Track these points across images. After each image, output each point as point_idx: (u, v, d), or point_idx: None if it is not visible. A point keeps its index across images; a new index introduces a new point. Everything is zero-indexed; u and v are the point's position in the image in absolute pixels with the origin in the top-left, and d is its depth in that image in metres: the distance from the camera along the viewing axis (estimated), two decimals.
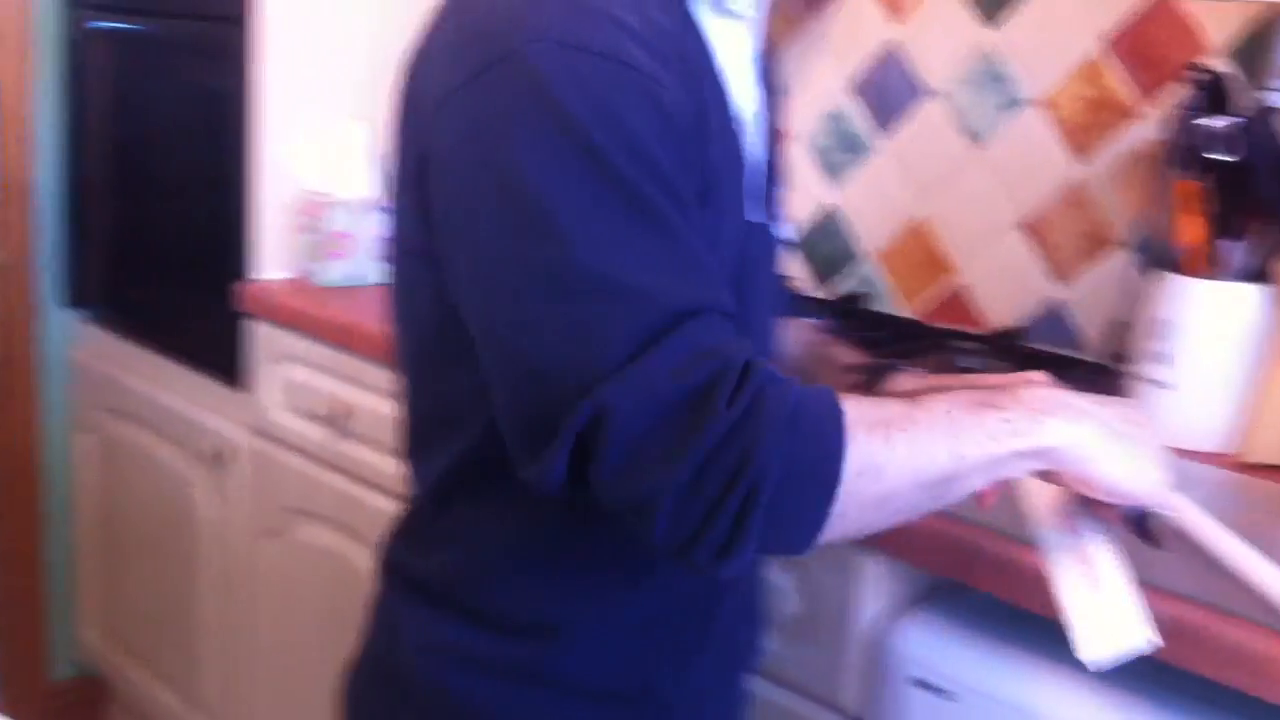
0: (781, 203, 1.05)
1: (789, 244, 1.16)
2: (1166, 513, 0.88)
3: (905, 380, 1.09)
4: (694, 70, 0.85)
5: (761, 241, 0.96)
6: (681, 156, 0.81)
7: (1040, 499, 0.93)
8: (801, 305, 1.66)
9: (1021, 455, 0.81)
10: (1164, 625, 0.95)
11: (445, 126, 0.82)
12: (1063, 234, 1.71)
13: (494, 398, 0.83)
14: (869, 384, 1.09)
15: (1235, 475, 1.29)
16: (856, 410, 0.79)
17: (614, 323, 0.77)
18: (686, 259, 0.80)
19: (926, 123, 1.85)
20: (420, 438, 0.97)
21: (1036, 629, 1.11)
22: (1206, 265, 1.37)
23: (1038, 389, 0.85)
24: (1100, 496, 0.85)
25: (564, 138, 0.77)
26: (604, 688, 0.95)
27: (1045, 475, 0.85)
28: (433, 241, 0.86)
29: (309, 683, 1.89)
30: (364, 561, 1.76)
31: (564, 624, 0.93)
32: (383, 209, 1.92)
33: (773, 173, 1.01)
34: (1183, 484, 1.09)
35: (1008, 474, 0.83)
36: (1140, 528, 0.88)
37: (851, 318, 1.82)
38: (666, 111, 0.80)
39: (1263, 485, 1.26)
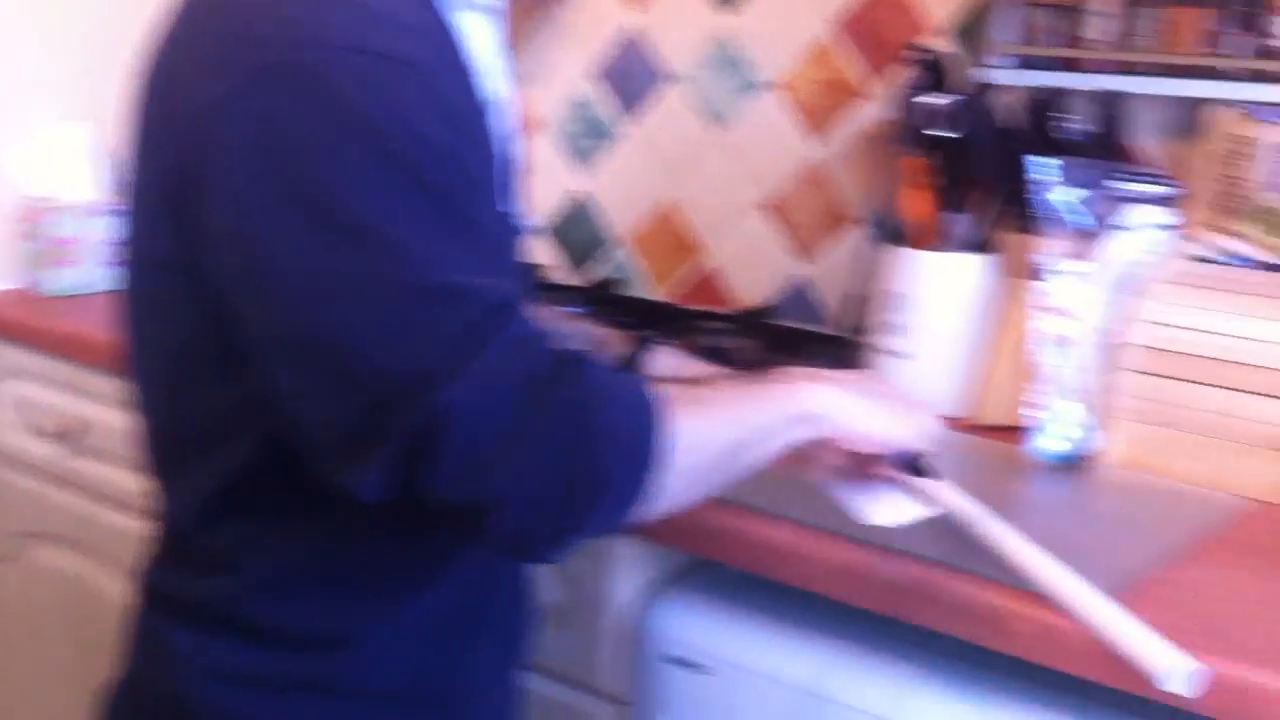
0: (523, 192, 1.05)
1: (532, 233, 1.15)
2: (930, 449, 0.95)
3: (665, 359, 1.12)
4: (455, 64, 0.85)
5: (513, 231, 0.97)
6: (470, 152, 0.83)
7: (828, 471, 0.99)
8: (554, 294, 1.65)
9: (792, 420, 0.88)
10: (896, 581, 0.97)
11: (222, 137, 0.79)
12: (804, 213, 1.75)
13: (293, 409, 0.80)
14: (629, 360, 1.12)
15: (970, 437, 1.34)
16: (667, 389, 0.84)
17: (442, 323, 0.77)
18: (493, 254, 0.82)
19: (669, 107, 1.87)
20: (173, 456, 0.94)
21: (787, 602, 1.13)
22: (934, 238, 1.42)
23: (790, 369, 0.92)
24: (870, 448, 0.93)
25: (360, 143, 0.77)
26: (393, 691, 0.94)
27: (818, 444, 0.92)
28: (191, 253, 0.83)
29: (57, 709, 1.79)
30: (107, 582, 1.68)
31: (352, 633, 0.92)
32: (113, 212, 1.83)
33: (517, 163, 1.01)
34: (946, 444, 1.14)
35: (786, 440, 0.89)
36: (913, 468, 0.95)
37: (606, 303, 1.82)
38: (452, 108, 0.81)
39: (994, 445, 1.32)
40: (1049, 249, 1.26)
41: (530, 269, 1.14)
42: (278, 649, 0.91)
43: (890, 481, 0.96)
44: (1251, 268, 1.27)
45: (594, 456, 0.78)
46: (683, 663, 1.15)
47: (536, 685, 1.25)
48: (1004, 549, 0.99)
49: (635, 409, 0.81)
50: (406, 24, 0.81)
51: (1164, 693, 0.84)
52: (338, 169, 0.77)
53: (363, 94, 0.77)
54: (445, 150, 0.79)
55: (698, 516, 1.12)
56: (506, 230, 0.93)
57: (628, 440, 0.80)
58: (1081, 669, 0.92)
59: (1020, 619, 0.95)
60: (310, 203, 0.77)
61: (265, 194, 0.78)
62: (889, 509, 0.97)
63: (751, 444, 0.87)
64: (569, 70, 1.95)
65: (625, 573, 1.21)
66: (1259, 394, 1.17)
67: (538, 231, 2.02)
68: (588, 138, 1.96)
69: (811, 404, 0.89)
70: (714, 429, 0.85)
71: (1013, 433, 1.31)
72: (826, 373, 0.92)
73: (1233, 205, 1.28)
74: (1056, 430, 1.24)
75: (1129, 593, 0.96)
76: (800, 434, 0.89)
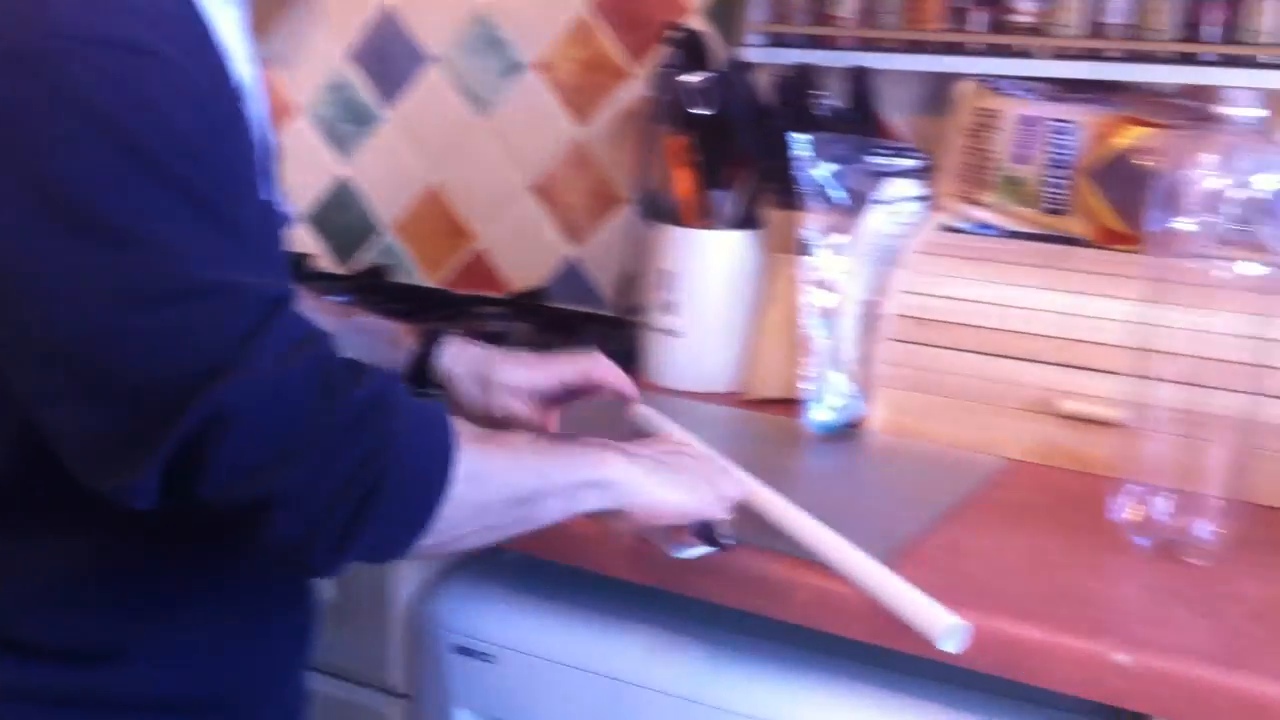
0: (280, 179, 1.02)
1: (293, 222, 1.12)
2: (722, 517, 0.96)
3: (512, 369, 1.13)
4: (204, 51, 0.81)
5: (278, 221, 0.94)
6: (226, 142, 0.80)
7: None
8: (320, 283, 1.61)
9: (590, 484, 0.88)
10: (697, 565, 0.99)
11: None
12: (572, 194, 1.75)
13: (54, 419, 0.76)
14: (422, 353, 1.12)
15: (744, 412, 1.37)
16: (460, 421, 0.82)
17: (207, 323, 0.74)
18: (259, 248, 0.80)
19: (430, 90, 1.84)
20: None
21: (572, 584, 1.13)
22: (700, 216, 1.43)
23: (596, 441, 0.92)
24: (663, 521, 0.93)
25: (106, 140, 0.73)
26: (173, 700, 0.90)
27: (616, 515, 0.91)
28: None
29: None
30: None
31: (127, 644, 0.88)
32: None
33: (272, 149, 0.98)
34: (703, 424, 1.16)
35: (581, 504, 0.88)
36: (706, 537, 0.95)
37: (376, 292, 1.79)
38: (203, 98, 0.77)
39: (768, 418, 1.34)
40: (810, 224, 1.29)
41: (295, 259, 1.11)
42: (49, 662, 0.86)
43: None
44: (999, 236, 1.33)
45: (384, 464, 0.76)
46: (470, 652, 1.14)
47: (322, 685, 1.22)
48: (784, 522, 1.02)
49: (429, 423, 0.80)
50: (151, 12, 0.77)
51: (940, 651, 0.87)
52: (82, 166, 0.73)
53: (105, 87, 0.73)
54: (198, 142, 0.76)
55: None
56: (271, 221, 0.91)
57: (421, 453, 0.79)
58: (859, 633, 0.95)
59: (800, 588, 0.97)
60: (56, 202, 0.73)
61: (6, 193, 0.73)
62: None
63: (541, 498, 0.86)
64: (325, 52, 1.90)
65: (407, 563, 1.19)
66: (1011, 357, 1.22)
67: (299, 220, 1.96)
68: (347, 121, 1.91)
69: (608, 473, 0.89)
70: (506, 471, 0.84)
71: (786, 405, 1.34)
72: (631, 447, 0.93)
73: (980, 176, 1.34)
74: (826, 401, 1.28)
75: (901, 556, 0.99)
76: (594, 502, 0.89)
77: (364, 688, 1.23)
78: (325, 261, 1.96)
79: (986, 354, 1.23)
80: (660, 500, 0.91)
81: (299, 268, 1.18)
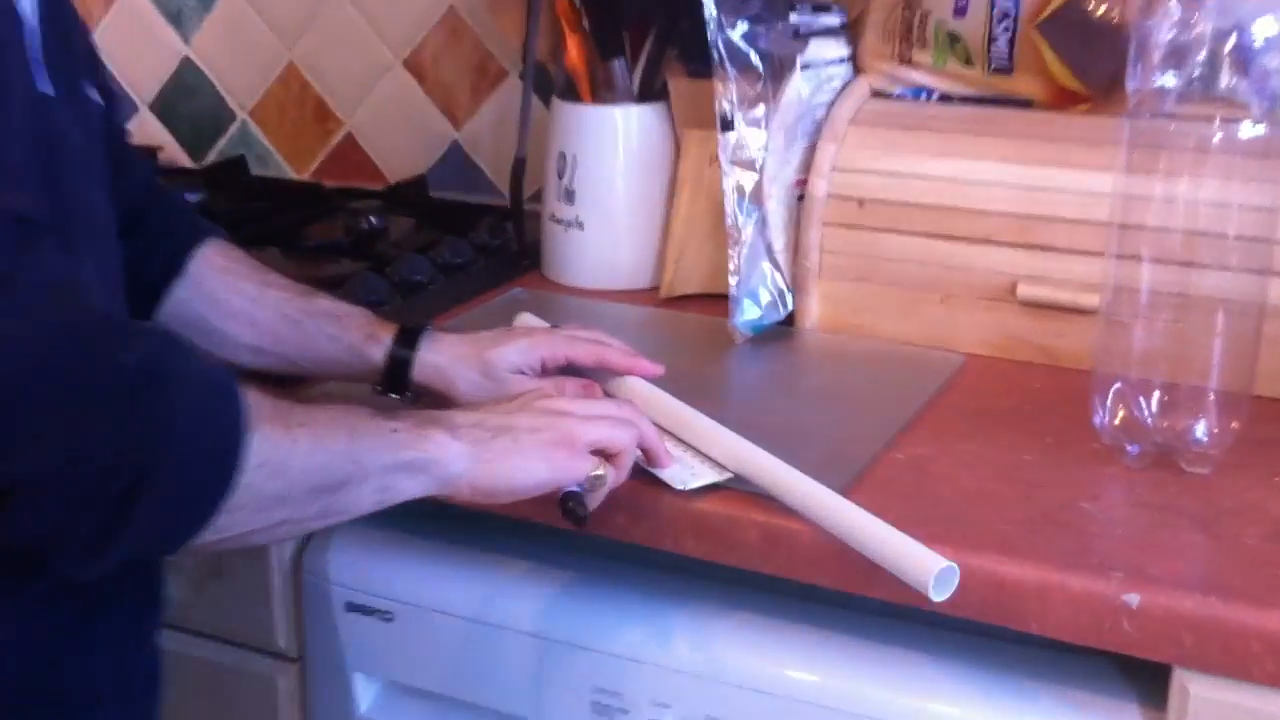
0: (93, 66, 0.87)
1: (115, 112, 0.93)
2: (579, 489, 0.80)
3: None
4: None
5: (64, 116, 0.77)
6: None
7: None
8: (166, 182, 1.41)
9: (405, 466, 0.74)
10: (623, 504, 0.84)
11: None
12: (448, 69, 1.56)
13: None
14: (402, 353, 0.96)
15: (657, 311, 1.21)
16: (256, 395, 0.68)
17: None
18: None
19: None
20: None
21: (479, 531, 0.98)
22: (598, 89, 1.26)
23: (436, 414, 0.79)
24: (506, 500, 0.79)
25: None
26: None
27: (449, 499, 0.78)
28: None
29: None
30: None
31: None
32: None
33: (69, 32, 0.81)
34: (614, 329, 1.00)
35: (397, 491, 0.74)
36: (567, 511, 0.79)
37: (234, 188, 1.58)
38: None
39: (688, 318, 1.19)
40: (724, 94, 1.12)
41: (124, 155, 0.93)
42: None
43: None
44: (938, 101, 1.17)
45: (155, 448, 0.62)
46: (365, 610, 0.99)
47: (201, 649, 1.07)
48: (719, 451, 0.87)
49: (215, 397, 0.65)
50: None
51: (929, 601, 0.74)
52: None
53: None
54: None
55: None
56: (52, 116, 0.74)
57: (203, 434, 0.64)
58: (823, 578, 0.82)
59: (748, 527, 0.83)
60: None
61: None
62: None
63: (349, 486, 0.72)
64: None
65: None
66: (965, 240, 1.08)
67: (140, 107, 1.75)
68: None
69: (428, 452, 0.75)
70: (308, 455, 0.70)
71: (709, 303, 1.19)
72: (464, 415, 0.79)
73: (914, 33, 1.18)
74: (753, 297, 1.12)
75: (860, 482, 0.86)
76: (412, 488, 0.75)
77: (249, 651, 1.07)
78: (175, 154, 1.75)
79: (935, 236, 1.09)
80: (492, 478, 0.77)
81: (143, 165, 1.00)
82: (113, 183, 0.85)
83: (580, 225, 1.26)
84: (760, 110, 1.12)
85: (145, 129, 1.75)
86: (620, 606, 0.91)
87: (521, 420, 0.79)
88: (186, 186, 1.52)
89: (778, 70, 1.14)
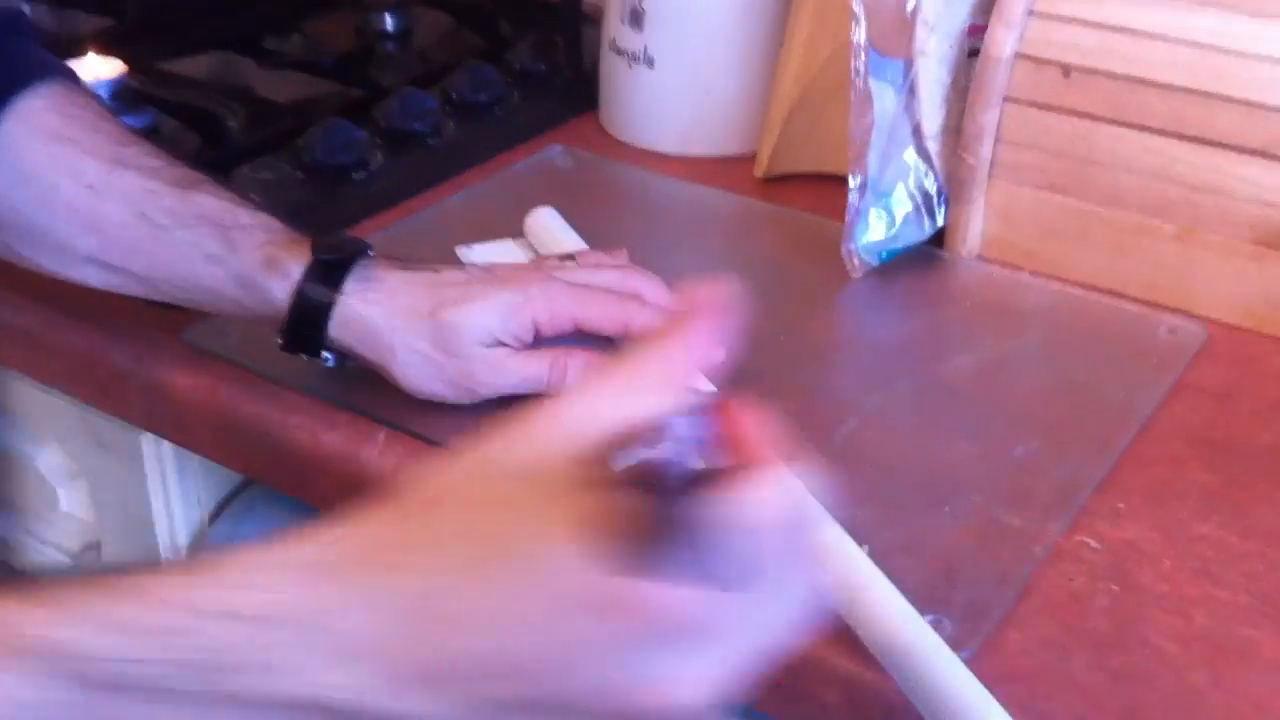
0: None
1: None
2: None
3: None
4: None
5: None
6: None
7: None
8: None
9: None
10: None
11: None
12: None
13: None
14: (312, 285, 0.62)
15: (742, 202, 0.83)
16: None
17: None
18: None
19: None
20: None
21: None
22: None
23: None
24: None
25: None
26: None
27: None
28: None
29: None
30: None
31: None
32: None
33: None
34: (675, 230, 0.66)
35: None
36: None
37: None
38: None
39: (778, 216, 0.82)
40: None
41: None
42: None
43: None
44: None
45: None
46: None
47: None
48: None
49: None
50: None
51: None
52: None
53: None
54: None
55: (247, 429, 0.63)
56: None
57: None
58: None
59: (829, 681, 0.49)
60: None
61: None
62: None
63: None
64: None
65: (176, 500, 0.72)
66: (1228, 146, 0.68)
67: None
68: None
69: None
70: None
71: (822, 189, 0.81)
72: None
73: None
74: (885, 205, 0.74)
75: (1021, 602, 0.50)
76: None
77: None
78: None
79: (1180, 136, 0.69)
80: None
81: None
82: None
83: (649, 62, 0.87)
84: None
85: None
86: None
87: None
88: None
89: None
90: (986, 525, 0.56)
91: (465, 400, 0.61)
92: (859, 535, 0.51)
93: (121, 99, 0.88)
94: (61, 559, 0.81)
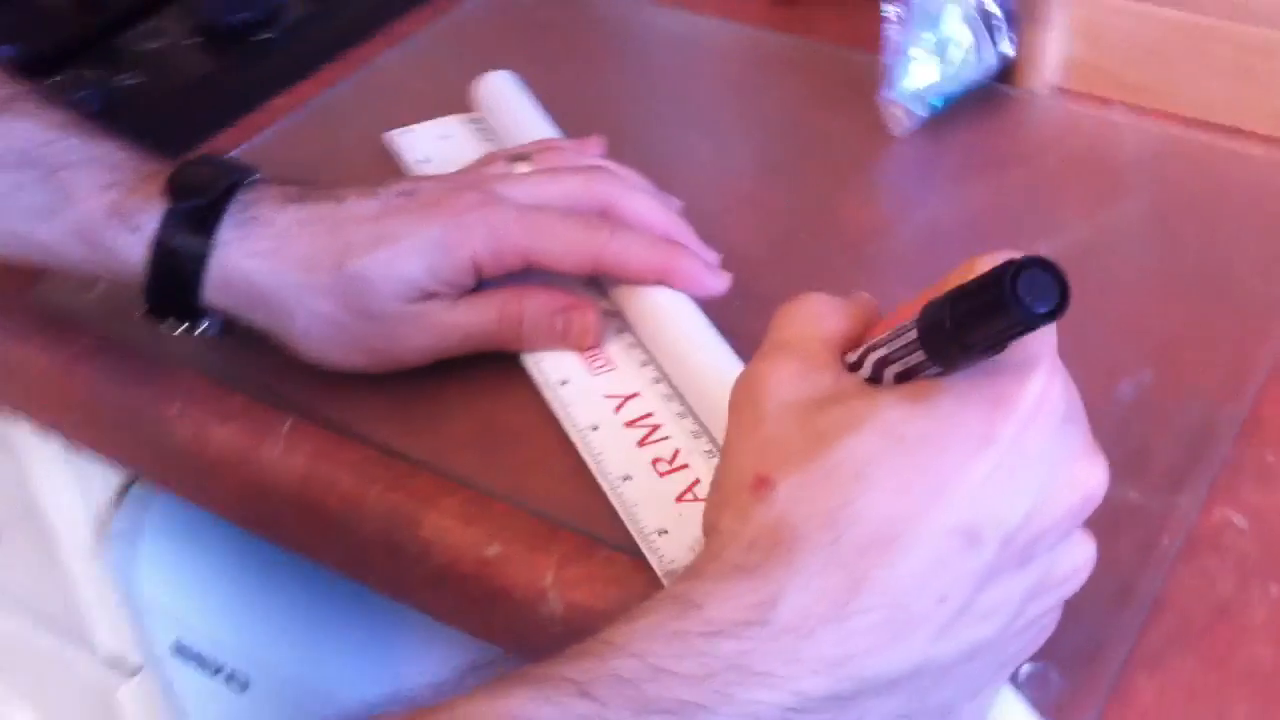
0: None
1: None
2: None
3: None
4: None
5: None
6: None
7: None
8: None
9: None
10: None
11: None
12: None
13: None
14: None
15: (753, 36, 0.66)
16: None
17: None
18: None
19: None
20: None
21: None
22: None
23: None
24: None
25: None
26: None
27: None
28: None
29: None
30: None
31: None
32: None
33: None
34: (673, 71, 0.57)
35: None
36: None
37: None
38: None
39: (798, 51, 0.65)
40: None
41: None
42: None
43: None
44: None
45: None
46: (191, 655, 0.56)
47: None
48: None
49: None
50: None
51: None
52: None
53: None
54: None
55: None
56: None
57: None
58: None
59: None
60: None
61: None
62: None
63: None
64: None
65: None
66: None
67: None
68: None
69: None
70: None
71: (834, 11, 0.64)
72: None
73: None
74: (934, 44, 0.57)
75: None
76: None
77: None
78: None
79: None
80: None
81: None
82: None
83: None
84: None
85: None
86: None
87: None
88: None
89: None
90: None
91: (390, 369, 0.46)
92: None
93: None
94: None
